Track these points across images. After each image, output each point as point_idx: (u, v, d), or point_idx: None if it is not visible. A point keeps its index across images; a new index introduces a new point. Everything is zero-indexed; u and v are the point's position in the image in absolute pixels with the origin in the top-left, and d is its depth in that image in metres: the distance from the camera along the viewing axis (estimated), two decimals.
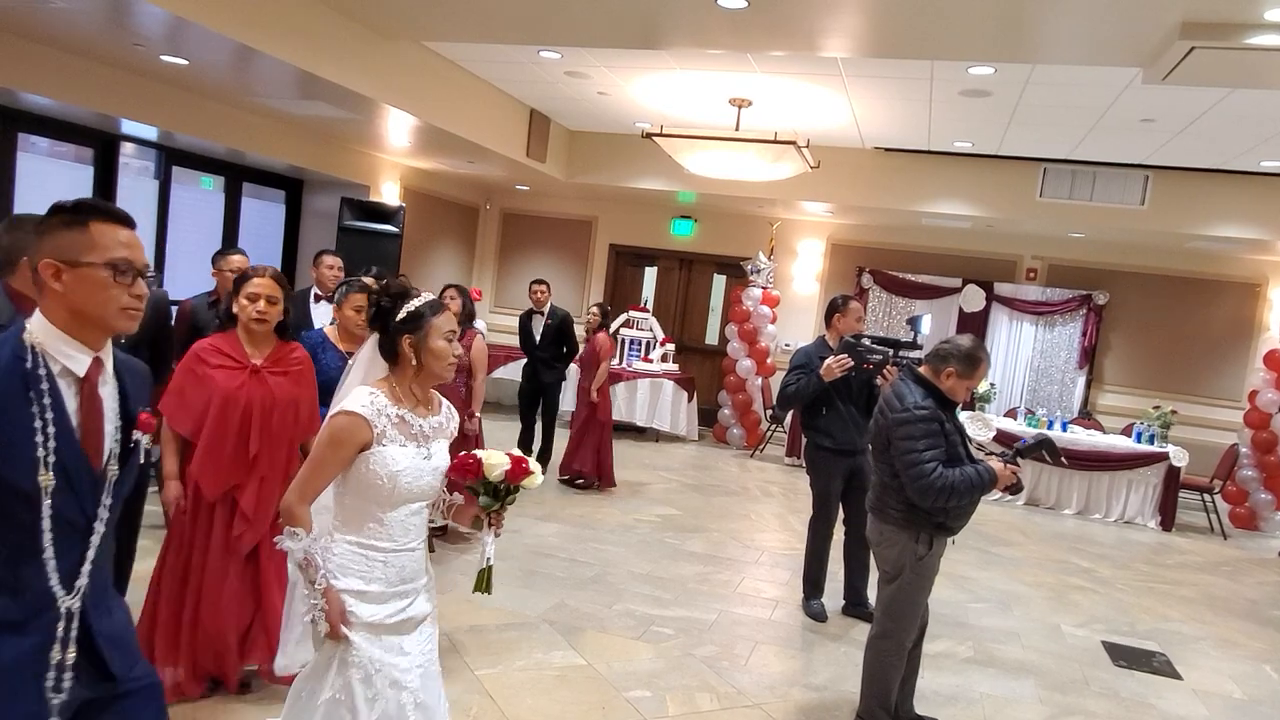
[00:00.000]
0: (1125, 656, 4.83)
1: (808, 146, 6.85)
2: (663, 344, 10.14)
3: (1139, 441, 8.41)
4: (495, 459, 2.30)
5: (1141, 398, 9.50)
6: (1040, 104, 6.49)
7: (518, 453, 2.36)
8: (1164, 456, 8.16)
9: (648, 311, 10.48)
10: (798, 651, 4.43)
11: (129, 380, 1.73)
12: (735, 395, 10.07)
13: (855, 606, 4.93)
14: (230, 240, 8.45)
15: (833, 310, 4.99)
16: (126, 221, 1.66)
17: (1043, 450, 3.51)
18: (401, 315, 2.25)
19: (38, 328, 1.58)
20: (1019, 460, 3.40)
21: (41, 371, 1.55)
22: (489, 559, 2.40)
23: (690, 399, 10.00)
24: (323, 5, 5.40)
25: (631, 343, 10.14)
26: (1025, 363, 10.07)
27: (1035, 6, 4.25)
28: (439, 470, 2.30)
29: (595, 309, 7.55)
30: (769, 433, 9.94)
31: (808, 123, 7.73)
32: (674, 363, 10.18)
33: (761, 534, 6.64)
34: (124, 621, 1.77)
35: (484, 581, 2.40)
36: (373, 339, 2.33)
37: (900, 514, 3.37)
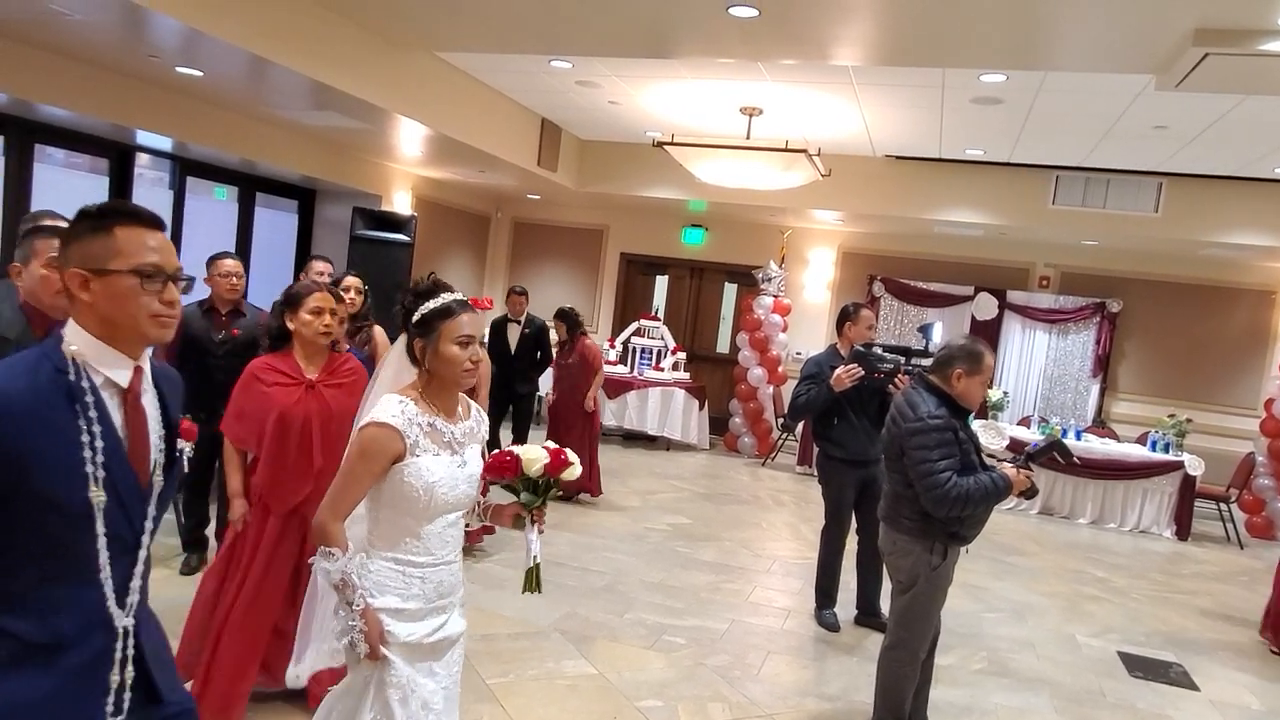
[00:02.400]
0: (1141, 667, 4.78)
1: (819, 155, 6.84)
2: (674, 353, 10.14)
3: (1154, 450, 8.34)
4: (533, 454, 2.24)
5: (1156, 406, 9.43)
6: (1052, 111, 6.47)
7: (552, 445, 2.31)
8: (1179, 465, 8.09)
9: (659, 320, 10.49)
10: (810, 661, 4.40)
11: (166, 387, 1.68)
12: (746, 404, 10.05)
13: (868, 616, 4.90)
14: (243, 250, 8.50)
15: (844, 318, 4.97)
16: (154, 224, 1.57)
17: (1054, 452, 3.50)
18: (417, 317, 2.16)
19: (75, 338, 1.51)
20: (1031, 465, 3.37)
21: (85, 384, 1.49)
22: (536, 557, 2.34)
23: (701, 408, 9.98)
24: (336, 16, 5.44)
25: (643, 351, 10.15)
26: (1039, 371, 10.01)
27: (1047, 14, 4.24)
28: (474, 478, 2.22)
29: (557, 320, 7.14)
30: (780, 441, 9.91)
31: (819, 131, 7.73)
32: (685, 371, 10.17)
33: (773, 543, 6.61)
34: (164, 640, 1.72)
35: (533, 580, 2.36)
36: (400, 341, 2.25)
37: (913, 523, 3.34)
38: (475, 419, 2.30)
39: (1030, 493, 3.35)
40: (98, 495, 1.47)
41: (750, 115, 7.32)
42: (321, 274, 5.42)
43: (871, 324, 4.95)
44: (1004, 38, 4.65)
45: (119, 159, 7.17)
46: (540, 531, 2.32)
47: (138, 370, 1.57)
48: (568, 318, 7.16)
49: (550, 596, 4.82)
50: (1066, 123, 6.75)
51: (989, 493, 3.18)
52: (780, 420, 9.89)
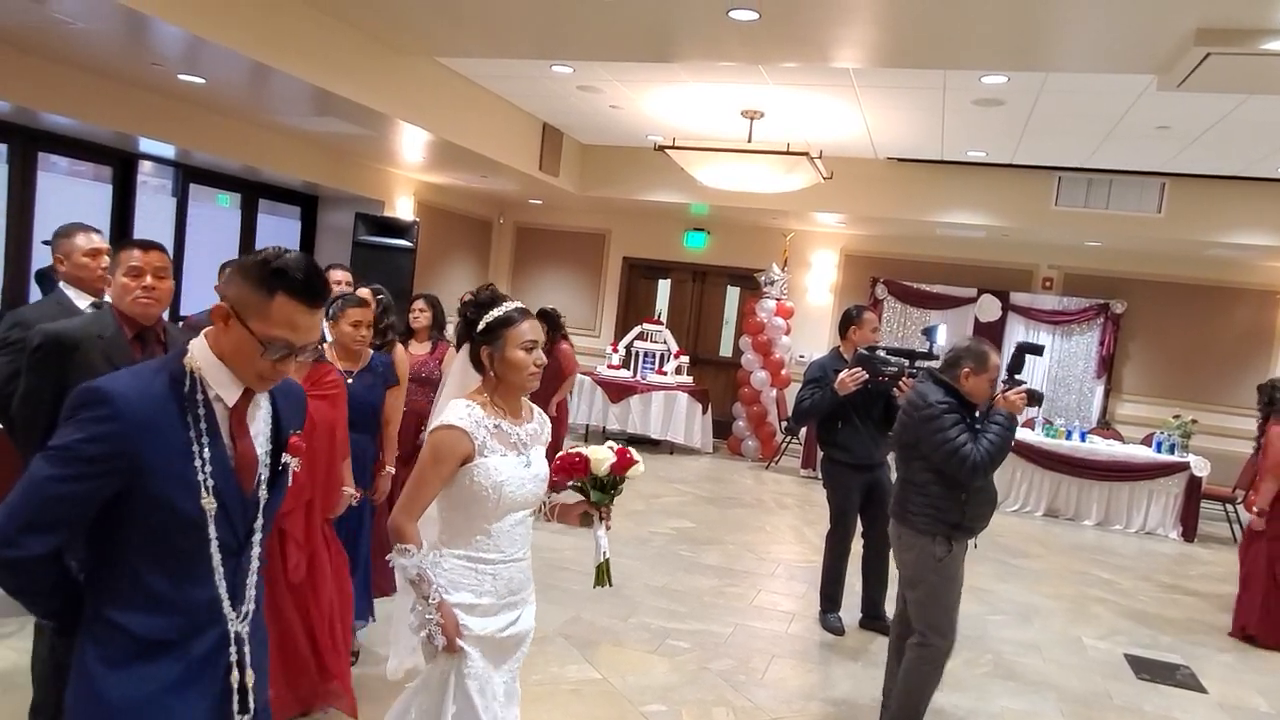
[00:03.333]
0: (1148, 669, 4.76)
1: (820, 157, 6.84)
2: (677, 356, 10.13)
3: (1159, 451, 8.32)
4: (601, 454, 2.34)
5: (1161, 407, 9.40)
6: (1054, 112, 6.46)
7: (617, 445, 2.39)
8: (1185, 466, 8.07)
9: (662, 324, 10.48)
10: (815, 665, 4.39)
11: (282, 402, 1.73)
12: (750, 407, 10.04)
13: (873, 620, 4.88)
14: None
15: (847, 321, 4.95)
16: (316, 302, 1.60)
17: (1024, 355, 3.68)
18: (481, 326, 2.25)
19: (199, 353, 1.58)
20: (1016, 379, 3.52)
21: (199, 397, 1.56)
22: (605, 553, 2.41)
23: (705, 411, 9.97)
24: (337, 22, 5.46)
25: (646, 355, 10.14)
26: (1043, 372, 9.98)
27: (1048, 15, 4.23)
28: (540, 477, 2.31)
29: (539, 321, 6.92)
30: (784, 445, 9.90)
31: (820, 134, 7.72)
32: (688, 375, 10.16)
33: (777, 546, 6.60)
34: (265, 653, 1.76)
35: (604, 575, 2.41)
36: (464, 351, 2.34)
37: (920, 516, 3.41)
38: (539, 421, 2.39)
39: (1035, 399, 3.51)
40: (209, 503, 1.54)
41: (751, 118, 7.32)
42: (340, 283, 5.36)
43: (875, 326, 4.94)
44: (1005, 39, 4.65)
45: (122, 166, 7.20)
46: (608, 528, 2.41)
47: (247, 392, 1.63)
48: (549, 318, 6.72)
49: (554, 601, 4.81)
50: (1068, 124, 6.74)
51: (1004, 435, 3.33)
52: (784, 423, 9.88)
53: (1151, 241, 8.70)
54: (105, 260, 3.27)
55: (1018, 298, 9.99)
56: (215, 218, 8.33)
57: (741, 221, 10.62)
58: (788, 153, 6.65)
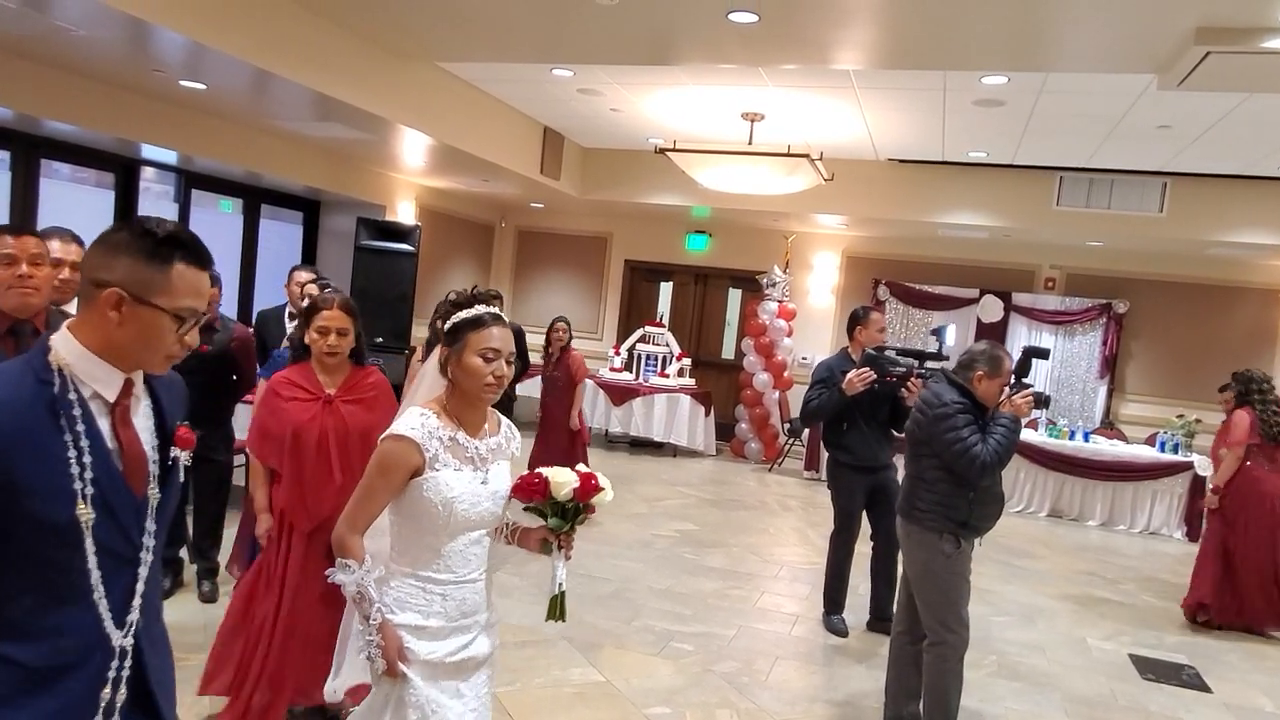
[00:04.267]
0: (1153, 670, 4.75)
1: (821, 159, 6.85)
2: (679, 359, 10.13)
3: (1163, 451, 8.30)
4: (562, 477, 2.16)
5: (1164, 406, 9.39)
6: (1055, 112, 6.46)
7: (583, 469, 2.22)
8: (1189, 466, 8.05)
9: (664, 327, 10.49)
10: (819, 667, 4.38)
11: (163, 394, 1.59)
12: (752, 409, 10.04)
13: (880, 621, 4.87)
14: (248, 262, 8.55)
15: (854, 322, 4.94)
16: (207, 264, 1.52)
17: (1033, 358, 3.70)
18: (448, 326, 2.12)
19: (64, 348, 1.43)
20: (1023, 382, 3.55)
21: (71, 396, 1.41)
22: (561, 584, 2.23)
23: (707, 413, 9.97)
24: (338, 28, 5.47)
25: (648, 358, 10.14)
26: (1045, 373, 9.96)
27: (1047, 15, 4.23)
28: (498, 495, 2.15)
29: (563, 323, 6.85)
30: (787, 446, 9.89)
31: (821, 135, 7.73)
32: (690, 377, 10.16)
33: (781, 548, 6.60)
34: (169, 660, 1.65)
35: (557, 609, 2.24)
36: (436, 352, 2.20)
37: (928, 514, 3.44)
38: (505, 434, 2.24)
39: (1042, 402, 3.57)
40: (85, 513, 1.40)
41: (752, 121, 7.33)
42: (303, 285, 5.27)
43: (882, 327, 4.92)
44: (1005, 39, 4.65)
45: (125, 173, 7.22)
46: (567, 558, 2.23)
47: (127, 384, 1.50)
48: (568, 325, 6.91)
49: None
50: (1069, 124, 6.74)
51: (1009, 436, 3.38)
52: (786, 425, 9.88)
53: (1153, 241, 8.70)
54: (65, 272, 3.05)
55: (1020, 298, 9.98)
56: (218, 223, 8.34)
57: (743, 224, 10.62)
58: (788, 155, 6.66)
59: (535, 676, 3.90)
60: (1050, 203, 8.46)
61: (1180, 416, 8.57)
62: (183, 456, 1.59)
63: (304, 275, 5.35)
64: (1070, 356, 9.90)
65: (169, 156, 7.17)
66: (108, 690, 1.47)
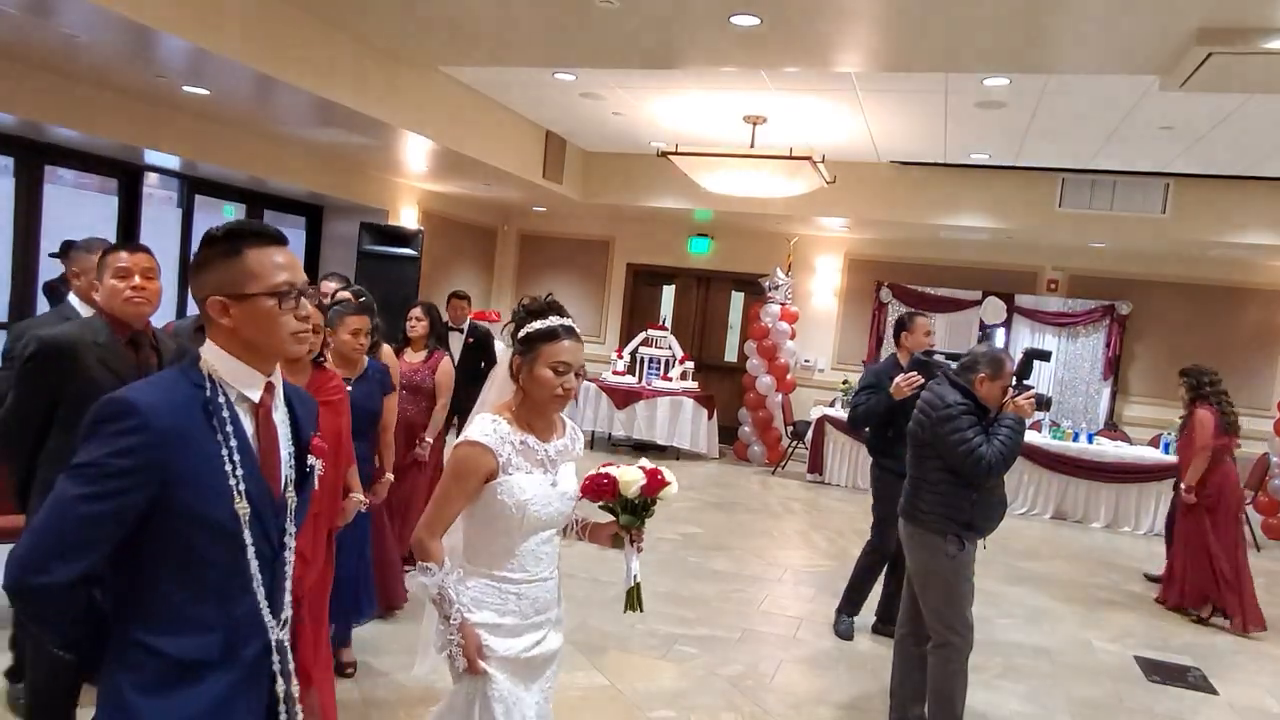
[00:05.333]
0: (1159, 672, 4.74)
1: (823, 162, 6.85)
2: (682, 362, 10.13)
3: (1167, 452, 8.27)
4: (630, 475, 2.25)
5: (1168, 408, 9.32)
6: (1057, 114, 6.46)
7: (649, 464, 2.30)
8: None
9: (666, 330, 10.49)
10: (823, 670, 4.38)
11: (298, 406, 1.69)
12: (755, 412, 10.04)
13: (885, 624, 4.85)
14: None
15: (900, 328, 4.91)
16: (279, 240, 1.59)
17: (1031, 361, 3.70)
18: (521, 334, 2.17)
19: (212, 356, 1.53)
20: (1025, 384, 3.56)
21: (221, 400, 1.51)
22: (636, 576, 2.35)
23: (710, 417, 9.97)
24: (340, 33, 5.49)
25: (651, 361, 10.14)
26: (1049, 375, 9.96)
27: (1049, 17, 4.24)
28: (567, 495, 2.23)
29: None
30: (790, 449, 9.88)
31: (823, 138, 7.73)
32: (693, 381, 10.16)
33: (784, 551, 6.59)
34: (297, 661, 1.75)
35: (634, 600, 2.36)
36: (507, 356, 2.25)
37: (931, 515, 3.45)
38: (570, 437, 2.30)
39: (1043, 404, 3.57)
40: (243, 507, 1.49)
41: (754, 124, 7.34)
42: (326, 295, 5.32)
43: (928, 330, 4.86)
44: (1006, 41, 4.65)
45: (128, 179, 7.23)
46: (639, 550, 2.33)
47: (269, 386, 1.59)
48: None
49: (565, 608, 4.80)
50: (1071, 125, 6.74)
51: (1014, 435, 3.39)
52: (789, 428, 9.87)
53: (1156, 242, 8.69)
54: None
55: (1023, 300, 9.97)
56: None
57: (745, 227, 10.63)
58: (790, 157, 6.66)
59: None
60: (1053, 204, 8.46)
61: (1183, 418, 8.54)
62: (318, 465, 1.68)
63: (331, 285, 5.37)
64: (1073, 358, 9.89)
65: (172, 162, 7.19)
66: (280, 685, 1.57)
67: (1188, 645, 5.21)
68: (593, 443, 10.15)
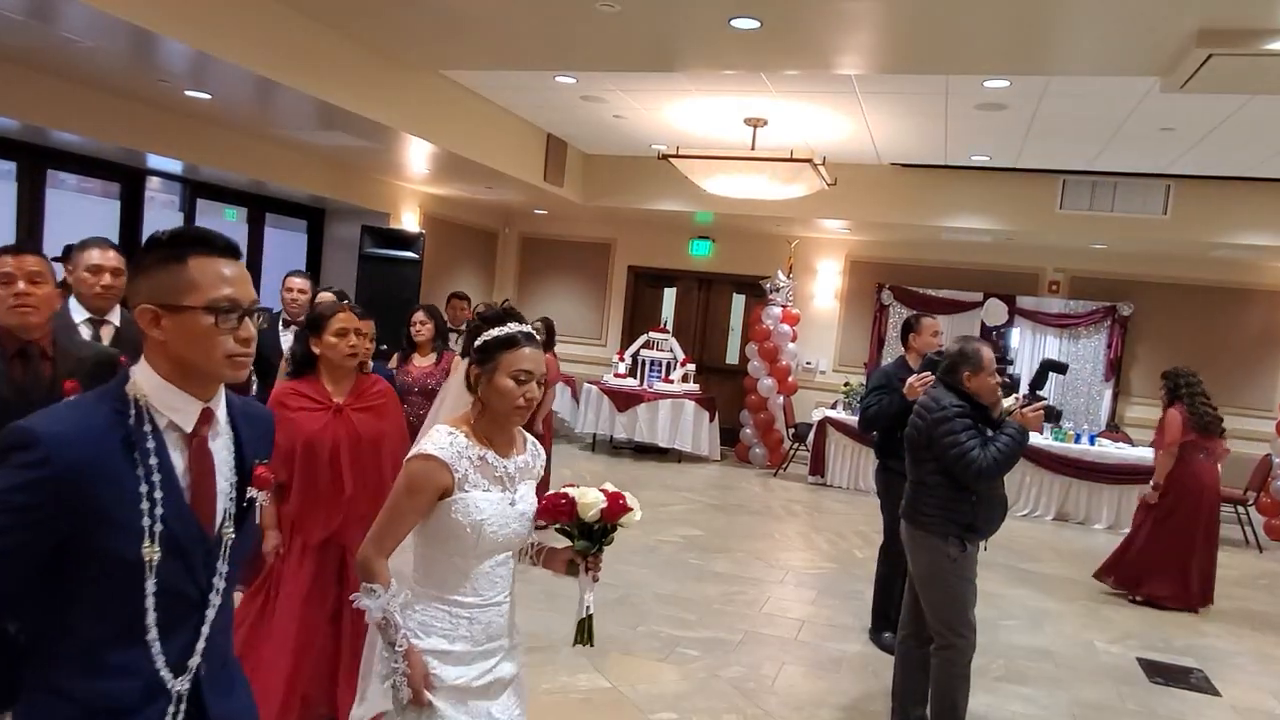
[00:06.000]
0: (1161, 673, 4.73)
1: (824, 164, 6.86)
2: (683, 364, 10.13)
3: None
4: (590, 497, 2.08)
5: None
6: (1057, 115, 6.46)
7: (612, 488, 2.14)
8: None
9: (667, 332, 10.49)
10: (825, 672, 4.38)
11: (245, 429, 1.53)
12: (757, 414, 10.04)
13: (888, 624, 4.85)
14: (254, 270, 8.56)
15: (907, 330, 4.88)
16: (229, 251, 1.45)
17: (1050, 371, 3.72)
18: (478, 343, 2.04)
19: (142, 378, 1.39)
20: (1038, 395, 3.57)
21: (146, 428, 1.36)
22: (589, 607, 2.18)
23: (712, 419, 9.97)
24: (342, 37, 5.50)
25: (652, 364, 10.14)
26: (1051, 377, 9.94)
27: (1049, 18, 4.24)
28: (526, 516, 2.09)
29: (540, 324, 6.61)
30: (792, 452, 9.88)
31: (823, 140, 7.74)
32: (695, 383, 10.16)
33: (786, 553, 6.59)
34: (246, 701, 1.59)
35: (584, 632, 2.20)
36: (463, 366, 2.12)
37: (932, 517, 3.45)
38: (531, 453, 2.19)
39: (1051, 416, 3.46)
40: (151, 551, 1.34)
41: (755, 126, 7.34)
42: (291, 290, 5.25)
43: (936, 331, 4.82)
44: (1006, 43, 4.66)
45: (130, 182, 7.25)
46: (595, 580, 2.16)
47: (206, 412, 1.44)
48: (549, 328, 6.68)
49: (563, 610, 4.79)
50: (1072, 126, 6.74)
51: (1014, 444, 3.37)
52: (791, 430, 9.87)
53: (1157, 243, 8.68)
54: (106, 279, 3.13)
55: (1024, 301, 9.97)
56: (222, 232, 8.36)
57: (746, 229, 10.63)
58: (791, 160, 6.66)
59: (542, 683, 3.90)
60: (1054, 206, 8.46)
61: None
62: (260, 498, 1.52)
63: (298, 281, 5.30)
64: (1075, 359, 9.87)
65: (174, 166, 7.20)
66: None
67: (1190, 647, 5.21)
68: (594, 445, 10.15)
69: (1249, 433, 9.12)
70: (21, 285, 2.48)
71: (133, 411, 1.37)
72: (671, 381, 9.94)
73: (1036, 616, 5.54)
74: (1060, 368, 3.88)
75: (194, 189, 7.85)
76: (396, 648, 1.94)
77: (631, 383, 10.01)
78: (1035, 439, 8.41)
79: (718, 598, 5.32)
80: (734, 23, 4.57)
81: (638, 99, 7.10)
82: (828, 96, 6.58)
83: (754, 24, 4.57)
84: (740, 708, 3.86)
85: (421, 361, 5.08)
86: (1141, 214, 8.22)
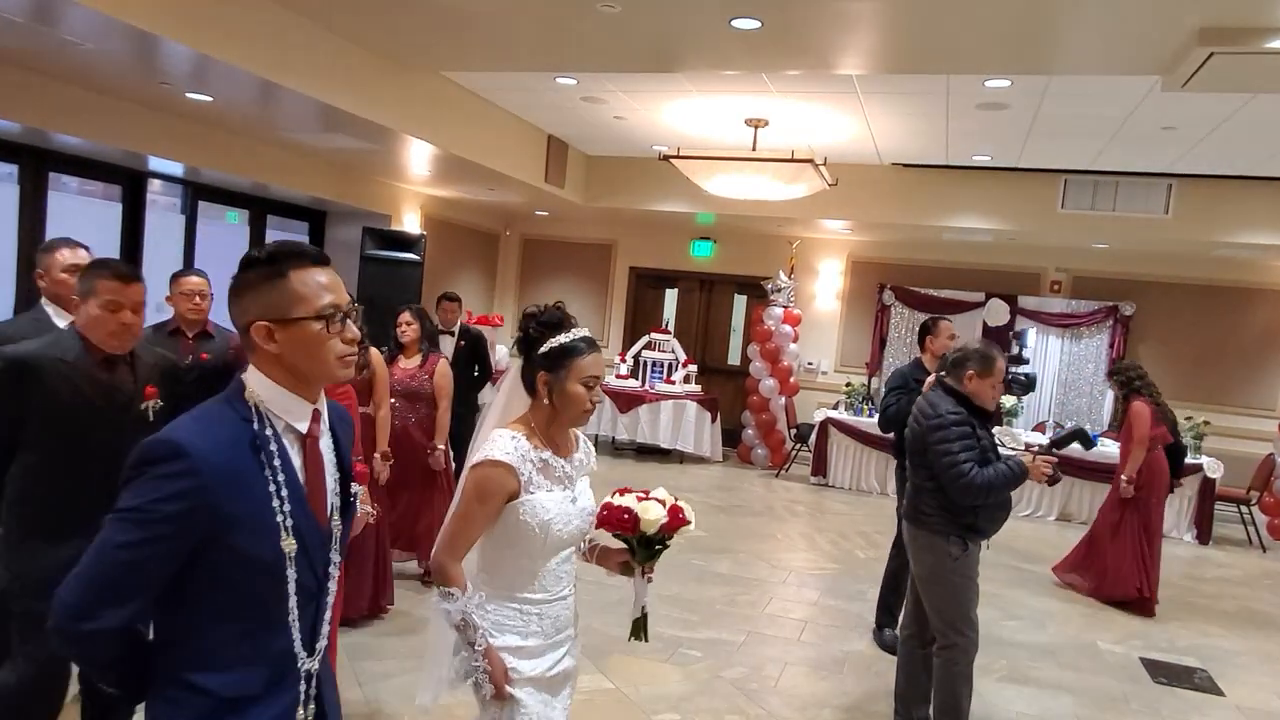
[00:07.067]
0: (1165, 673, 4.72)
1: (825, 164, 6.86)
2: (685, 365, 10.13)
3: None
4: (653, 513, 2.18)
5: (1172, 408, 9.34)
6: (1059, 115, 6.46)
7: (670, 499, 2.24)
8: (1198, 468, 8.01)
9: (669, 333, 10.49)
10: (828, 673, 4.37)
11: (340, 429, 1.65)
12: (759, 415, 10.03)
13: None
14: None
15: (924, 333, 4.90)
16: (322, 260, 1.55)
17: (1076, 441, 3.67)
18: (544, 349, 2.09)
19: (257, 385, 1.49)
20: (1054, 451, 3.52)
21: (269, 432, 1.47)
22: (645, 607, 2.32)
23: (714, 420, 9.97)
24: (342, 39, 5.50)
25: (654, 365, 10.15)
26: (1053, 376, 9.95)
27: (1050, 17, 4.24)
28: (586, 511, 2.18)
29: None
30: (793, 452, 9.88)
31: (824, 141, 7.74)
32: (696, 384, 10.16)
33: (788, 554, 6.58)
34: (334, 682, 1.71)
35: (641, 630, 2.33)
36: (515, 370, 2.18)
37: (933, 517, 3.45)
38: (584, 451, 2.27)
39: (1053, 479, 3.46)
40: (289, 544, 1.46)
41: (756, 127, 7.34)
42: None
43: (952, 334, 4.83)
44: (1007, 42, 4.65)
45: (132, 185, 7.25)
46: (649, 580, 2.29)
47: (316, 414, 1.55)
48: None
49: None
50: (1073, 126, 6.73)
51: (1008, 479, 3.32)
52: (793, 431, 9.87)
53: (1159, 243, 8.68)
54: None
55: (1026, 301, 9.96)
56: (224, 234, 8.38)
57: (747, 230, 10.63)
58: (792, 160, 6.66)
59: None
60: (1055, 205, 8.45)
61: (1189, 418, 8.52)
62: (360, 492, 1.64)
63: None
64: (1077, 359, 9.88)
65: (175, 168, 7.20)
66: (300, 711, 1.54)
67: (1194, 647, 5.20)
68: (596, 446, 10.13)
69: (1251, 432, 9.12)
70: (127, 316, 2.57)
71: (255, 417, 1.47)
72: (673, 382, 9.94)
73: (1039, 616, 5.53)
74: (1088, 442, 3.93)
75: (196, 191, 7.85)
76: (476, 647, 2.03)
77: (633, 384, 10.01)
78: (1037, 438, 8.42)
79: (720, 598, 5.31)
80: (734, 23, 4.58)
81: (638, 100, 7.10)
82: (829, 97, 6.58)
83: (754, 24, 4.57)
84: (743, 708, 3.85)
85: (406, 363, 4.97)
86: (1143, 213, 8.21)
